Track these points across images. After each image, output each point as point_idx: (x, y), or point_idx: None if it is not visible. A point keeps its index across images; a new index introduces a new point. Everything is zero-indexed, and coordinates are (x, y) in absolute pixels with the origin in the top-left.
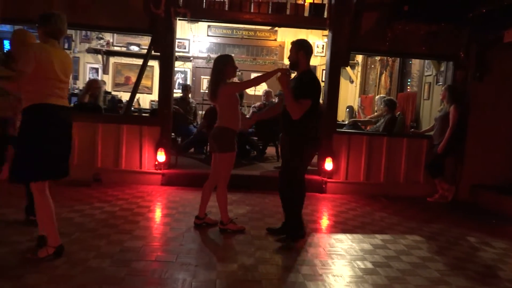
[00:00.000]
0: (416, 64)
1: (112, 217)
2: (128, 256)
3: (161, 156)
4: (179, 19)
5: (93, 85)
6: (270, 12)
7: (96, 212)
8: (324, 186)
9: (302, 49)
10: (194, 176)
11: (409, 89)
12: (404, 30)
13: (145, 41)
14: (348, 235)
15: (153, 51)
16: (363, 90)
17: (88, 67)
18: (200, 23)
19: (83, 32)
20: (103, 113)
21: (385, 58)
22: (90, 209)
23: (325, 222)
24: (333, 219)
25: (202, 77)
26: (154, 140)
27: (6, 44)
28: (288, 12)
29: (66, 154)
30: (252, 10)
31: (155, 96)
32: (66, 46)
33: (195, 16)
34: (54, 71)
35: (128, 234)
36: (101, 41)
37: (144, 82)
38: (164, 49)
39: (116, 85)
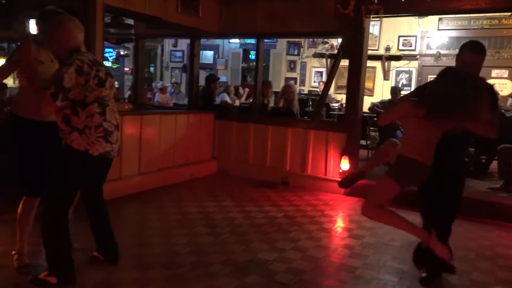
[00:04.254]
0: None
1: (269, 223)
2: (251, 268)
3: (345, 164)
4: (372, 17)
5: (286, 90)
6: None
7: (259, 216)
8: None
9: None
10: None
11: None
12: None
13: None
14: None
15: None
16: None
17: (314, 71)
18: (429, 17)
19: (311, 39)
20: (296, 118)
21: None
22: (256, 212)
23: None
24: None
25: (429, 76)
26: (340, 147)
27: (252, 55)
28: None
29: None
30: None
31: (376, 98)
32: (296, 52)
33: (389, 11)
34: None
35: (269, 244)
36: (326, 45)
37: (366, 84)
38: (352, 51)
39: (338, 87)
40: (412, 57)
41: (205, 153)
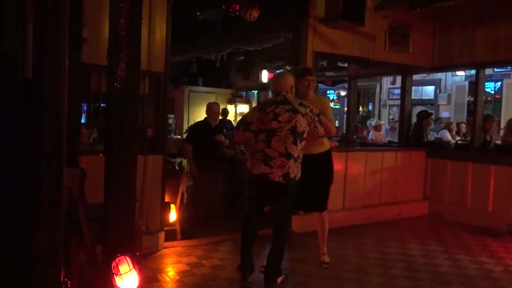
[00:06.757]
0: None
1: (482, 276)
2: None
3: None
4: None
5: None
6: None
7: (470, 267)
8: None
9: None
10: None
11: None
12: None
13: None
14: None
15: None
16: None
17: None
18: None
19: None
20: None
21: None
22: (468, 262)
23: None
24: None
25: None
26: None
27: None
28: None
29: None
30: None
31: None
32: None
33: None
34: None
35: None
36: None
37: None
38: None
39: None
40: None
41: (414, 192)
